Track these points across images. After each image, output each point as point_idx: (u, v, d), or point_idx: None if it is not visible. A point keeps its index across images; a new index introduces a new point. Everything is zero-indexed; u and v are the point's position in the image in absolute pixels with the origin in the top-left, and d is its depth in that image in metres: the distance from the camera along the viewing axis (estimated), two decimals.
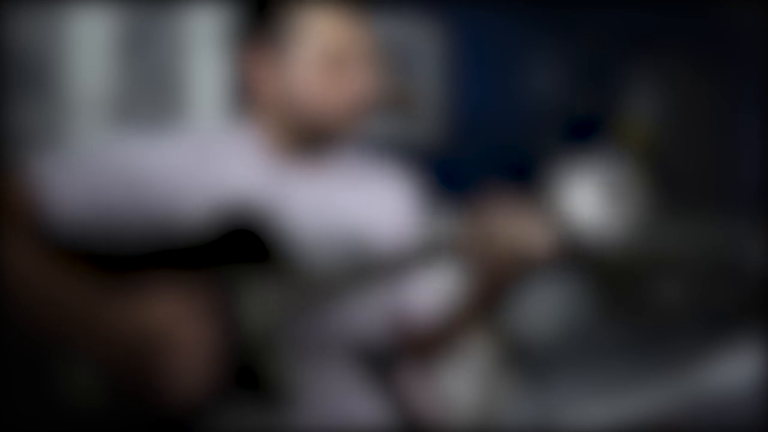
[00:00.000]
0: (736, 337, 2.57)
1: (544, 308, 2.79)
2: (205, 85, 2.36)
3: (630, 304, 3.05)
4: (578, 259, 1.18)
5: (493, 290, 1.23)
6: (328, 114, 1.25)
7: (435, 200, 1.57)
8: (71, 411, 1.07)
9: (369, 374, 1.26)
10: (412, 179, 1.42)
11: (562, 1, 3.22)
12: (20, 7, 2.08)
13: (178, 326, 1.03)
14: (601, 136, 3.40)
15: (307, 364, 1.20)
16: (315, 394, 1.20)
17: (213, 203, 1.18)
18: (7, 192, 1.13)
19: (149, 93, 2.29)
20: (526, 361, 2.49)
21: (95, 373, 1.06)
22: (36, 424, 1.07)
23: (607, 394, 2.47)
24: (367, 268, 1.18)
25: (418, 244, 1.19)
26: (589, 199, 1.16)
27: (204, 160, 1.23)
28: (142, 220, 1.17)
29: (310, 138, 1.27)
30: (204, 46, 2.35)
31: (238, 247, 1.15)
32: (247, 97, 1.30)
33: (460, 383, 2.20)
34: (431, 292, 1.34)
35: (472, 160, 3.01)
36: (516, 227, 1.17)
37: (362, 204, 1.31)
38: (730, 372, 2.41)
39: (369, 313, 1.27)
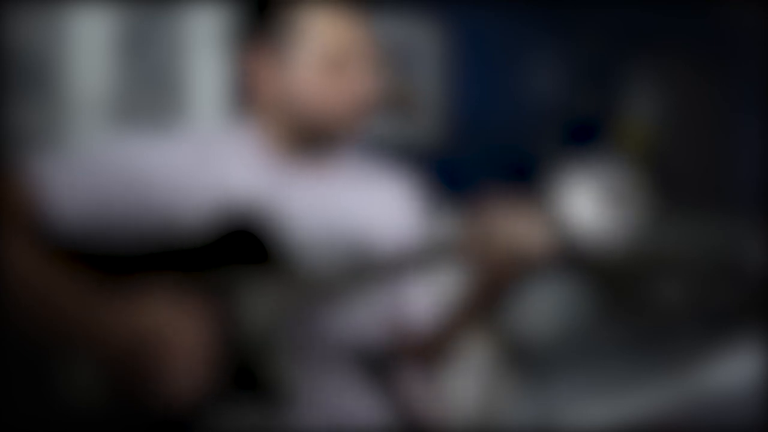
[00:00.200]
0: (736, 337, 2.57)
1: (544, 308, 2.78)
2: (205, 85, 2.36)
3: (630, 304, 3.05)
4: (578, 259, 1.18)
5: (492, 290, 1.23)
6: (328, 114, 1.25)
7: (434, 200, 1.57)
8: (71, 411, 1.07)
9: (368, 375, 1.26)
10: (412, 180, 1.42)
11: (562, 1, 3.22)
12: (20, 7, 2.08)
13: (176, 327, 1.03)
14: (601, 136, 3.40)
15: (306, 365, 1.20)
16: (314, 395, 1.20)
17: (213, 204, 1.18)
18: (7, 192, 1.13)
19: (149, 93, 2.29)
20: (526, 361, 2.49)
21: (95, 373, 1.06)
22: (36, 424, 1.07)
23: (607, 394, 2.47)
24: (367, 269, 1.18)
25: (418, 245, 1.19)
26: (589, 199, 1.16)
27: (204, 161, 1.23)
28: (141, 220, 1.17)
29: (310, 138, 1.27)
30: (204, 46, 2.35)
31: (238, 248, 1.15)
32: (247, 98, 1.30)
33: (460, 383, 2.20)
34: (431, 293, 1.34)
35: (472, 160, 3.01)
36: (516, 228, 1.17)
37: (362, 205, 1.31)
38: (730, 372, 2.41)
39: (368, 315, 1.27)
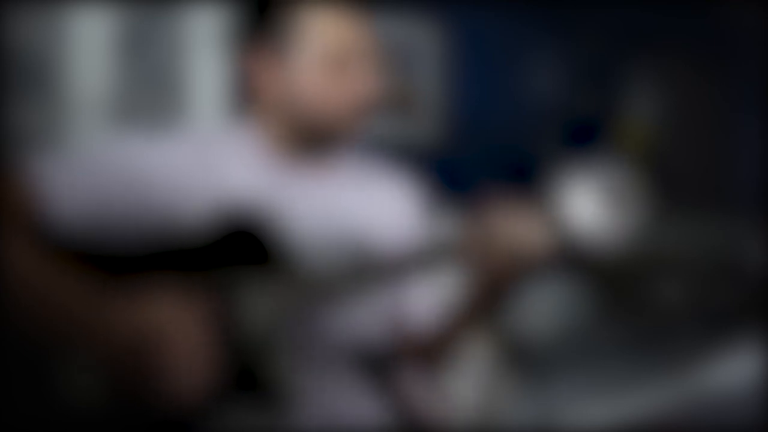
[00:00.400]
0: (736, 337, 2.57)
1: (544, 308, 2.79)
2: (205, 85, 2.36)
3: (630, 304, 3.05)
4: (578, 259, 1.18)
5: (493, 291, 1.23)
6: (329, 114, 1.25)
7: (435, 201, 1.57)
8: (71, 411, 1.07)
9: (368, 376, 1.26)
10: (413, 180, 1.42)
11: (562, 1, 3.22)
12: (20, 7, 2.08)
13: (177, 327, 1.03)
14: (601, 137, 3.40)
15: (307, 366, 1.20)
16: (314, 395, 1.20)
17: (213, 204, 1.18)
18: (7, 192, 1.13)
19: (149, 93, 2.29)
20: (526, 361, 2.49)
21: (95, 373, 1.06)
22: (36, 424, 1.07)
23: (607, 394, 2.47)
24: (368, 269, 1.18)
25: (419, 245, 1.19)
26: (589, 199, 1.16)
27: (204, 161, 1.23)
28: (141, 220, 1.17)
29: (311, 139, 1.27)
30: (204, 46, 2.35)
31: (238, 249, 1.15)
32: (247, 98, 1.30)
33: (460, 383, 2.20)
34: (432, 293, 1.34)
35: (472, 161, 3.01)
36: (516, 228, 1.17)
37: (363, 205, 1.31)
38: (730, 372, 2.41)
39: (369, 315, 1.27)
